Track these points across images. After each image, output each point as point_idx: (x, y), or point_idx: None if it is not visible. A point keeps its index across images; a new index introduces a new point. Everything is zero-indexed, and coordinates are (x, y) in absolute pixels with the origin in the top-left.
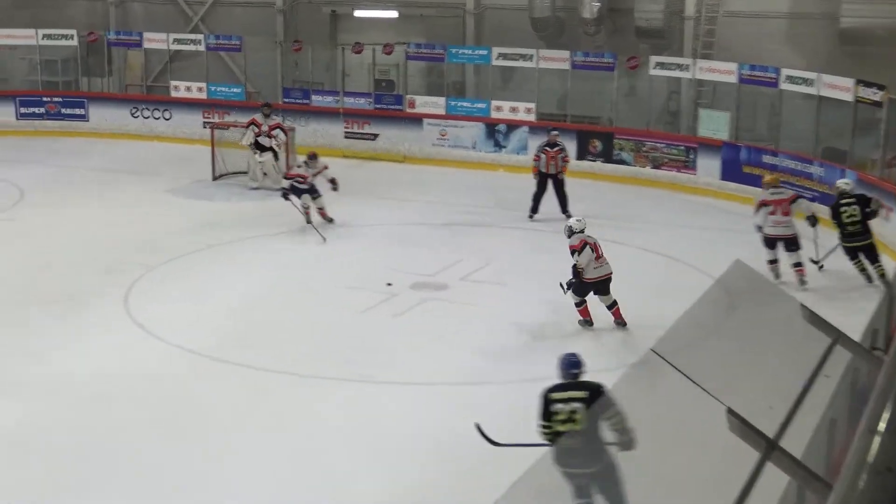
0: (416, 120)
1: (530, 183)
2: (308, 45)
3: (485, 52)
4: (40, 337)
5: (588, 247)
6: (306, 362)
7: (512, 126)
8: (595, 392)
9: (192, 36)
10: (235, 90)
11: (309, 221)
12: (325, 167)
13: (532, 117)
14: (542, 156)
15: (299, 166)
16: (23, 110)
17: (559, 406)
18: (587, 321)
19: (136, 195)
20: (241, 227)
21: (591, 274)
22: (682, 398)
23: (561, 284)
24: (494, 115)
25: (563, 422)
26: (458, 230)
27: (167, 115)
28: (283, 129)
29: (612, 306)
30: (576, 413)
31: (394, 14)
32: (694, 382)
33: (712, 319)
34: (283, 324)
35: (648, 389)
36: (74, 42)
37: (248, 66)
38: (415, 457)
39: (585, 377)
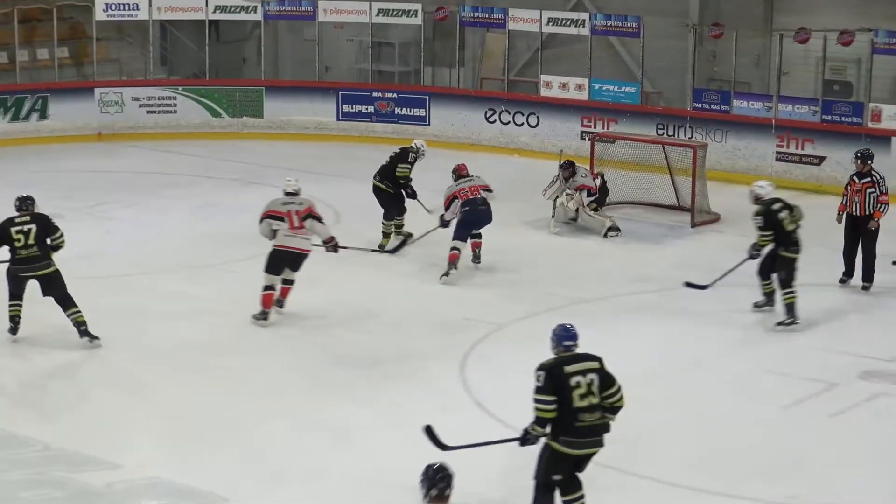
0: (882, 138)
1: None
2: (731, 31)
3: None
4: (353, 411)
5: None
6: (704, 472)
7: None
8: (602, 363)
9: (574, 15)
10: (627, 89)
11: None
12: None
13: None
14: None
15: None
16: (346, 108)
17: (578, 379)
18: None
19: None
20: (635, 277)
21: None
22: None
23: None
24: None
25: (584, 395)
26: None
27: (533, 120)
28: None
29: None
30: (593, 384)
31: None
32: None
33: None
34: (668, 422)
35: None
36: (418, 20)
37: (647, 58)
38: None
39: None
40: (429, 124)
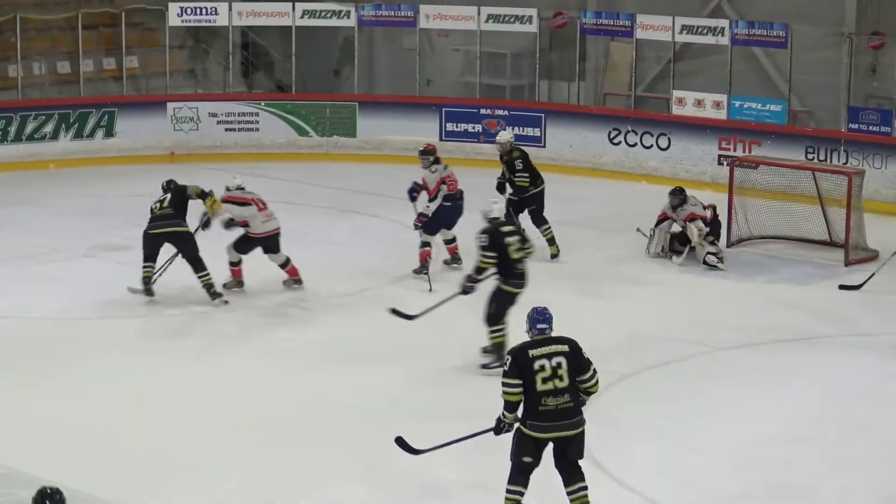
0: None
1: None
2: (893, 41)
3: None
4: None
5: None
6: None
7: None
8: (575, 347)
9: (712, 22)
10: (773, 108)
11: None
12: None
13: None
14: None
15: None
16: (450, 126)
17: (542, 362)
18: None
19: (598, 262)
20: (778, 324)
21: None
22: None
23: None
24: None
25: (547, 379)
26: None
27: (663, 141)
28: (702, 219)
29: None
30: (560, 368)
31: None
32: None
33: None
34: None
35: None
36: (533, 27)
37: (795, 72)
38: None
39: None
40: (544, 145)
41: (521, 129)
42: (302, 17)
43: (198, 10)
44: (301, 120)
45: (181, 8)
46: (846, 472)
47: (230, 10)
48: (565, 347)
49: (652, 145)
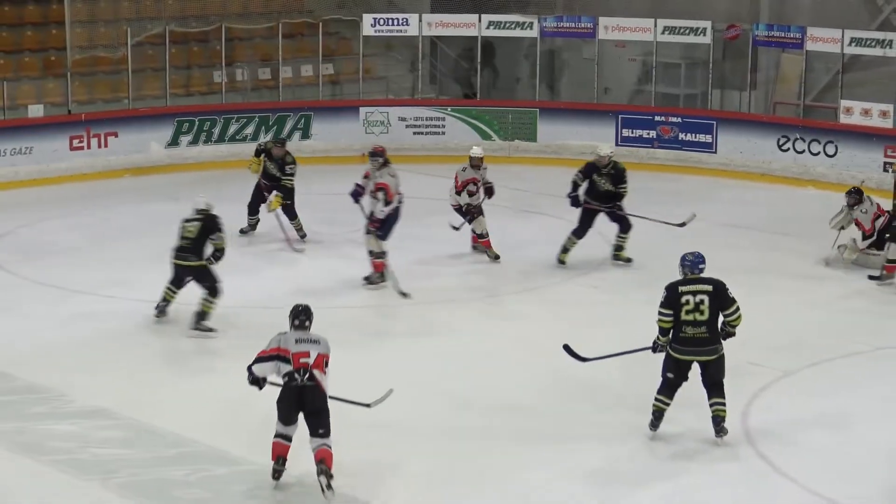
0: None
1: None
2: None
3: None
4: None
5: None
6: None
7: None
8: (719, 287)
9: (881, 34)
10: None
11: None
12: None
13: None
14: None
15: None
16: (625, 132)
17: (688, 297)
18: None
19: (765, 262)
20: None
21: None
22: None
23: None
24: None
25: (689, 311)
26: None
27: (830, 149)
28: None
29: None
30: (702, 304)
31: None
32: None
33: None
34: None
35: None
36: (707, 38)
37: None
38: None
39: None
40: (715, 151)
41: (693, 135)
42: (487, 27)
43: (390, 21)
44: (485, 125)
45: (374, 19)
46: None
47: (420, 20)
48: (710, 287)
49: (819, 152)
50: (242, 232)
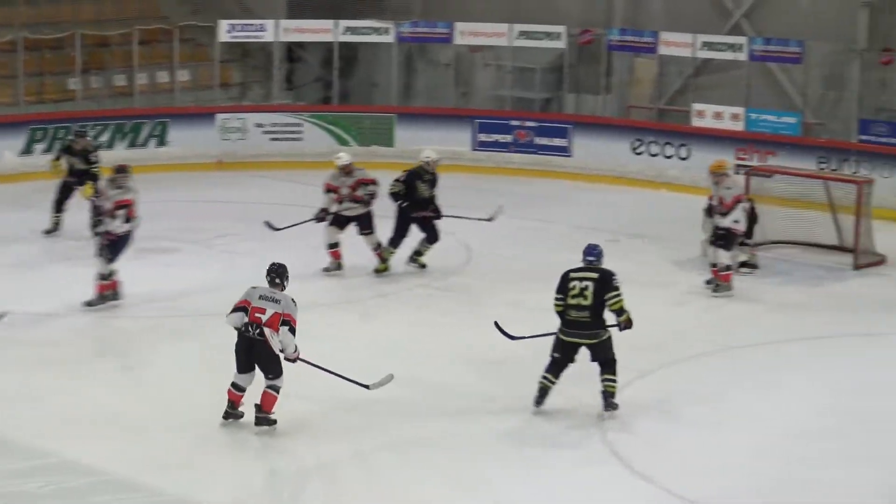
0: None
1: None
2: None
3: None
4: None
5: None
6: None
7: None
8: (605, 276)
9: (731, 39)
10: (787, 120)
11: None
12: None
13: None
14: None
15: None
16: (482, 137)
17: (574, 283)
18: None
19: (628, 267)
20: (776, 325)
21: None
22: None
23: None
24: None
25: (575, 296)
26: None
27: (683, 152)
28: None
29: None
30: (587, 290)
31: None
32: None
33: None
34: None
35: None
36: (561, 43)
37: (809, 86)
38: None
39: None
40: (571, 155)
41: (549, 139)
42: (344, 33)
43: (246, 27)
44: (342, 130)
45: (230, 25)
46: (861, 466)
47: (276, 26)
48: (596, 275)
49: (673, 155)
50: (47, 232)
